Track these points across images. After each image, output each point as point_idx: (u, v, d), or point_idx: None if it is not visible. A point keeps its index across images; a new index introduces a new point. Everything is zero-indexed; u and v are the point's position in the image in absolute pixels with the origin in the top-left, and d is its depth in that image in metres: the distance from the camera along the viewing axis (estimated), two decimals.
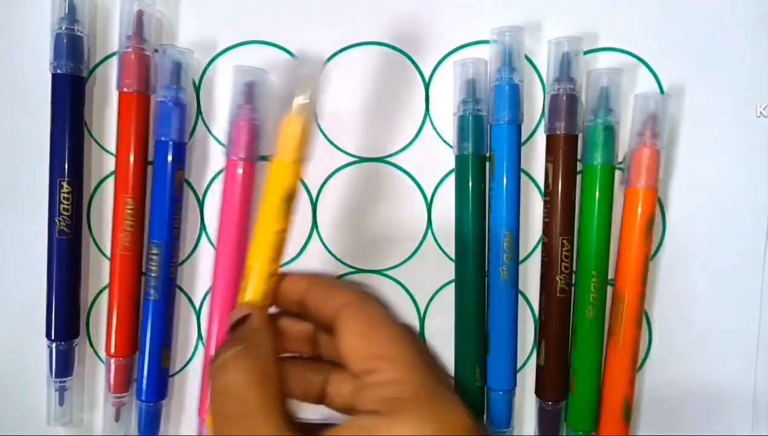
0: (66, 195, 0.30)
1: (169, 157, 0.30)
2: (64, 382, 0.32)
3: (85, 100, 0.31)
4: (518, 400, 0.32)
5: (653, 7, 0.31)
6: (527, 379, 0.33)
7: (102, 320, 0.33)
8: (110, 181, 0.32)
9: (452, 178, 0.31)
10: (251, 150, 0.30)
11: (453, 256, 0.32)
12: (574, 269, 0.31)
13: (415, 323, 0.33)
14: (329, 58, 0.31)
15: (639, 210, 0.30)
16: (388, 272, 0.32)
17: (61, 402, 0.32)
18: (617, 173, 0.31)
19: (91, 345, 0.33)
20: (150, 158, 0.31)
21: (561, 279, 0.30)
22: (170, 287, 0.31)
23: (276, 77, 0.25)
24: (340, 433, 0.20)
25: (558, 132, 0.30)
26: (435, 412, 0.20)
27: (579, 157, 0.31)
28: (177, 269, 0.32)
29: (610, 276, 0.31)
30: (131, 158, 0.30)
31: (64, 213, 0.30)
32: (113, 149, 0.32)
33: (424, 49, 0.31)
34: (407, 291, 0.33)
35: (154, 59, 0.30)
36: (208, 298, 0.33)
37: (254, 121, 0.30)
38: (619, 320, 0.30)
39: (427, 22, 0.31)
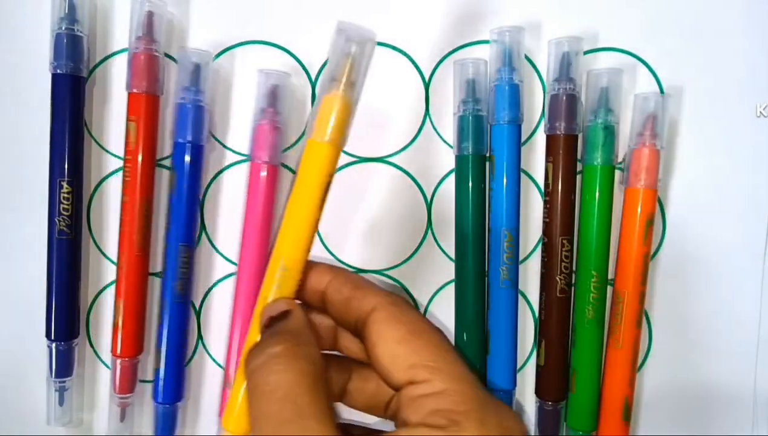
0: (66, 195, 0.30)
1: (187, 159, 0.30)
2: (64, 382, 0.32)
3: (85, 100, 0.31)
4: (518, 400, 0.32)
5: (653, 7, 0.31)
6: (527, 379, 0.33)
7: (102, 321, 0.33)
8: (110, 181, 0.32)
9: (452, 178, 0.31)
10: (274, 153, 0.30)
11: (453, 256, 0.32)
12: (574, 269, 0.31)
13: None
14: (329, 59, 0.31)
15: (639, 210, 0.30)
16: (388, 272, 0.32)
17: (61, 402, 0.32)
18: (617, 173, 0.31)
19: (91, 345, 0.33)
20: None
21: (561, 279, 0.30)
22: (190, 288, 0.31)
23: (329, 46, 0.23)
24: None
25: (558, 132, 0.30)
26: (495, 420, 0.20)
27: (579, 157, 0.31)
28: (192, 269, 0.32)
29: (610, 276, 0.31)
30: (140, 159, 0.30)
31: (64, 213, 0.30)
32: (113, 149, 0.32)
33: (424, 49, 0.31)
34: (407, 291, 0.33)
35: (163, 61, 0.30)
36: (208, 298, 0.33)
37: (277, 125, 0.30)
38: (619, 320, 0.30)
39: (427, 22, 0.31)
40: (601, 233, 0.30)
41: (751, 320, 0.32)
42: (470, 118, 0.30)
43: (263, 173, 0.30)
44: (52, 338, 0.31)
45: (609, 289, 0.31)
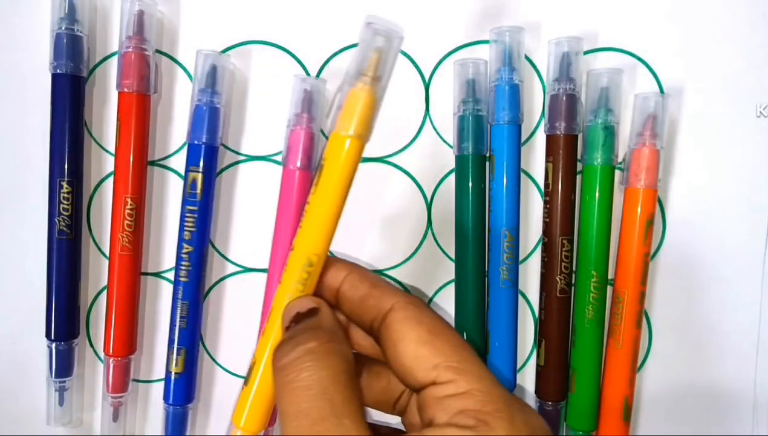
0: (66, 195, 0.30)
1: (202, 161, 0.30)
2: (64, 382, 0.32)
3: (85, 100, 0.31)
4: None
5: (653, 7, 0.31)
6: (527, 379, 0.33)
7: (102, 320, 0.33)
8: (110, 181, 0.32)
9: (452, 178, 0.31)
10: (308, 158, 0.30)
11: (453, 256, 0.32)
12: (574, 269, 0.31)
13: None
14: (329, 59, 0.31)
15: (639, 210, 0.30)
16: (388, 272, 0.32)
17: (61, 402, 0.32)
18: (617, 173, 0.31)
19: (91, 345, 0.33)
20: (150, 159, 0.31)
21: (561, 279, 0.30)
22: (203, 291, 0.31)
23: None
24: None
25: (558, 132, 0.30)
26: (522, 419, 0.20)
27: (579, 157, 0.31)
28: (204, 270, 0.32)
29: (610, 276, 0.31)
30: (131, 158, 0.30)
31: (64, 213, 0.30)
32: (113, 149, 0.32)
33: (424, 49, 0.31)
34: (407, 291, 0.33)
35: (155, 59, 0.30)
36: (208, 299, 0.33)
37: (311, 130, 0.30)
38: (619, 320, 0.30)
39: (427, 22, 0.31)
40: (601, 233, 0.30)
41: (751, 320, 0.32)
42: (470, 118, 0.30)
43: (296, 179, 0.30)
44: (52, 338, 0.31)
45: (609, 289, 0.31)
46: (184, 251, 0.30)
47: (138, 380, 0.33)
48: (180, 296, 0.30)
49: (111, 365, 0.31)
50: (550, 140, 0.31)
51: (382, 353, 0.23)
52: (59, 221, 0.30)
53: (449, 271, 0.32)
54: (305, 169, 0.30)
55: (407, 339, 0.21)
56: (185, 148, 0.31)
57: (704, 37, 0.31)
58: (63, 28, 0.29)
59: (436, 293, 0.33)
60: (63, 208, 0.30)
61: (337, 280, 0.24)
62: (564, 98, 0.30)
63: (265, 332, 0.23)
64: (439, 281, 0.32)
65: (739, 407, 0.33)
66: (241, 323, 0.32)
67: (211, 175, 0.30)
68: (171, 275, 0.32)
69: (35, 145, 0.31)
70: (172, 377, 0.31)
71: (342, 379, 0.20)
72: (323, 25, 0.31)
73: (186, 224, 0.30)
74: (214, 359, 0.33)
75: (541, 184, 0.32)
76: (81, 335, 0.32)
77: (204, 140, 0.30)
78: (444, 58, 0.31)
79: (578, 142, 0.30)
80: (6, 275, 0.33)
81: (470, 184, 0.30)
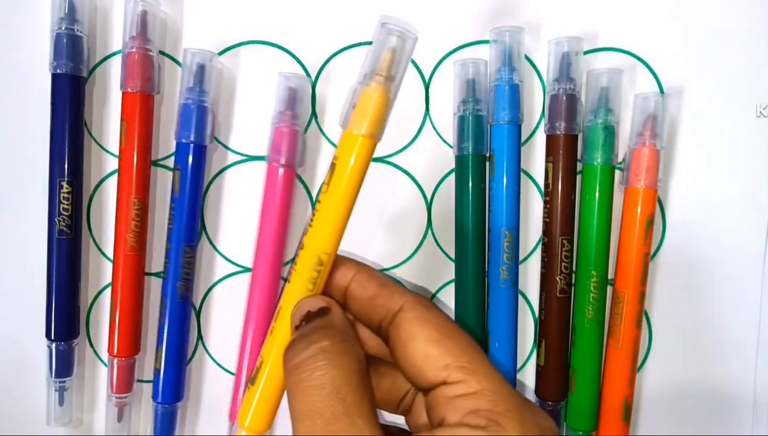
0: (66, 195, 0.30)
1: (190, 159, 0.30)
2: (64, 382, 0.32)
3: (85, 100, 0.31)
4: None
5: (653, 7, 0.31)
6: (527, 379, 0.33)
7: (102, 320, 0.33)
8: (110, 181, 0.32)
9: (452, 178, 0.31)
10: (292, 156, 0.30)
11: (453, 256, 0.32)
12: (574, 269, 0.31)
13: None
14: (329, 59, 0.31)
15: (639, 210, 0.30)
16: (388, 272, 0.32)
17: (61, 402, 0.32)
18: (617, 173, 0.31)
19: (91, 345, 0.33)
20: (153, 158, 0.31)
21: (561, 279, 0.30)
22: (192, 289, 0.31)
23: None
24: None
25: (558, 132, 0.30)
26: (533, 420, 0.20)
27: (579, 157, 0.31)
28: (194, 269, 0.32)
29: (610, 276, 0.31)
30: (134, 159, 0.30)
31: (64, 213, 0.30)
32: (113, 149, 0.32)
33: (424, 49, 0.31)
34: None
35: (157, 60, 0.30)
36: (208, 299, 0.33)
37: (295, 127, 0.30)
38: (619, 320, 0.30)
39: (427, 22, 0.31)
40: (601, 233, 0.30)
41: (751, 320, 0.32)
42: (470, 118, 0.30)
43: (280, 176, 0.30)
44: (52, 338, 0.31)
45: (609, 289, 0.31)
46: (167, 248, 0.30)
47: (142, 381, 0.33)
48: (169, 295, 0.30)
49: (115, 366, 0.31)
50: (550, 140, 0.31)
51: (390, 352, 0.23)
52: (59, 220, 0.30)
53: (449, 271, 0.32)
54: (289, 166, 0.30)
55: (417, 339, 0.21)
56: None
57: (704, 37, 0.31)
58: (63, 28, 0.29)
59: (436, 292, 0.33)
60: (63, 208, 0.30)
61: (345, 279, 0.24)
62: (564, 98, 0.30)
63: (273, 332, 0.23)
64: (439, 280, 0.33)
65: (739, 407, 0.33)
66: (240, 322, 0.32)
67: (198, 173, 0.30)
68: None
69: (35, 145, 0.31)
70: (161, 376, 0.31)
71: (354, 379, 0.20)
72: (323, 25, 0.31)
73: (168, 221, 0.30)
74: (214, 359, 0.33)
75: (541, 184, 0.32)
76: (81, 335, 0.32)
77: (191, 139, 0.30)
78: (444, 58, 0.31)
79: (578, 142, 0.30)
80: (6, 275, 0.33)
81: (470, 184, 0.30)
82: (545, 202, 0.31)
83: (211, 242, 0.32)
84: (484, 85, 0.31)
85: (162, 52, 0.31)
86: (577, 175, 0.30)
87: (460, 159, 0.31)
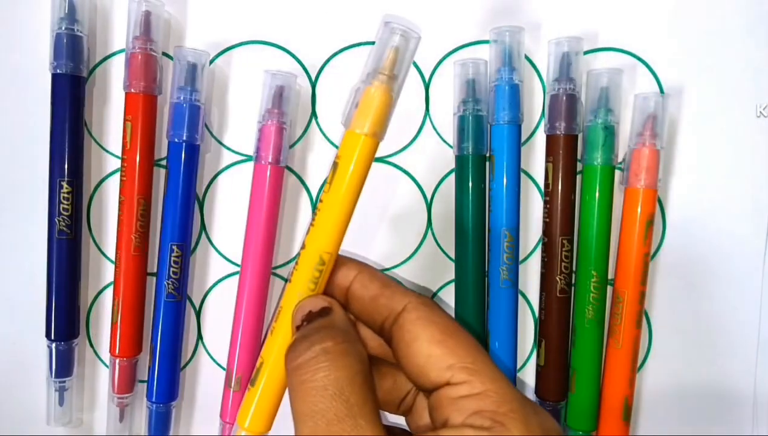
0: (66, 195, 0.30)
1: (181, 158, 0.30)
2: (64, 382, 0.32)
3: (85, 100, 0.31)
4: None
5: (653, 7, 0.31)
6: (527, 379, 0.33)
7: (102, 320, 0.33)
8: (110, 181, 0.32)
9: (452, 178, 0.31)
10: (279, 154, 0.30)
11: (453, 256, 0.32)
12: (574, 269, 0.31)
13: None
14: (329, 59, 0.31)
15: (639, 210, 0.30)
16: (389, 272, 0.32)
17: (61, 402, 0.32)
18: (617, 173, 0.31)
19: (91, 345, 0.33)
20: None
21: (561, 279, 0.30)
22: (185, 288, 0.31)
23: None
24: None
25: (558, 132, 0.30)
26: (537, 421, 0.20)
27: (579, 157, 0.31)
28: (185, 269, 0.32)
29: (610, 276, 0.31)
30: (137, 159, 0.30)
31: (64, 213, 0.30)
32: (113, 149, 0.32)
33: (425, 49, 0.31)
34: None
35: (161, 60, 0.30)
36: (208, 299, 0.33)
37: (283, 126, 0.30)
38: (619, 320, 0.30)
39: (428, 22, 0.31)
40: (601, 233, 0.30)
41: (751, 319, 0.32)
42: (470, 118, 0.30)
43: (268, 174, 0.30)
44: (52, 338, 0.31)
45: (609, 289, 0.31)
46: (174, 252, 0.30)
47: (144, 381, 0.33)
48: (159, 294, 0.30)
49: (117, 366, 0.31)
50: (550, 140, 0.31)
51: (393, 353, 0.23)
52: (59, 220, 0.30)
53: (449, 271, 0.32)
54: (276, 163, 0.30)
55: (420, 339, 0.21)
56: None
57: (704, 37, 0.31)
58: (63, 28, 0.29)
59: (436, 292, 0.33)
60: (63, 208, 0.30)
61: (347, 279, 0.24)
62: (564, 98, 0.30)
63: (274, 332, 0.23)
64: (440, 280, 0.33)
65: (739, 407, 0.33)
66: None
67: (190, 172, 0.30)
68: None
69: (35, 145, 0.31)
70: (154, 375, 0.31)
71: (358, 380, 0.20)
72: (323, 25, 0.31)
73: (163, 222, 0.30)
74: (214, 359, 0.33)
75: (541, 184, 0.32)
76: (81, 335, 0.32)
77: (184, 138, 0.30)
78: (444, 58, 0.31)
79: (578, 142, 0.30)
80: (6, 275, 0.33)
81: (470, 184, 0.30)
82: (545, 202, 0.31)
83: (211, 242, 0.32)
84: (484, 85, 0.31)
85: (164, 54, 0.31)
86: (577, 175, 0.30)
87: (460, 159, 0.31)
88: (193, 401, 0.33)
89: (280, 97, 0.30)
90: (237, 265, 0.33)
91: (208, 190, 0.32)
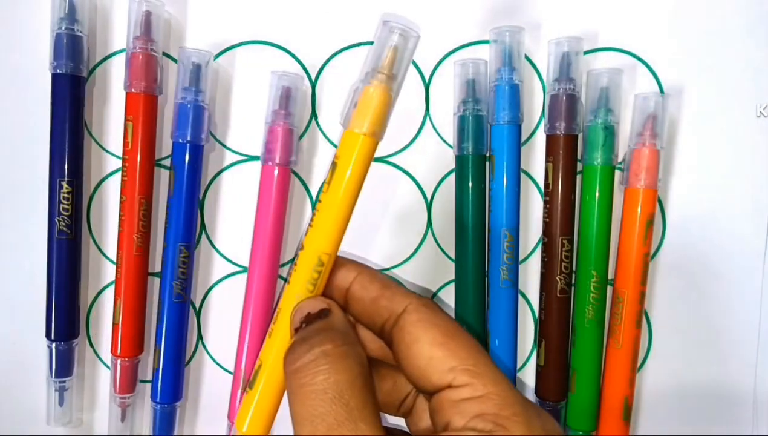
0: (66, 195, 0.30)
1: (186, 159, 0.30)
2: (64, 382, 0.32)
3: (85, 100, 0.31)
4: None
5: (653, 7, 0.31)
6: (527, 379, 0.33)
7: (102, 320, 0.33)
8: (110, 181, 0.32)
9: (452, 178, 0.31)
10: (287, 155, 0.30)
11: (453, 256, 0.32)
12: (574, 269, 0.31)
13: None
14: (329, 59, 0.31)
15: (639, 210, 0.30)
16: (388, 272, 0.32)
17: (61, 402, 0.32)
18: (617, 173, 0.31)
19: (91, 345, 0.33)
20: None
21: (561, 279, 0.30)
22: (189, 288, 0.31)
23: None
24: None
25: (558, 132, 0.30)
26: (539, 424, 0.20)
27: (579, 157, 0.31)
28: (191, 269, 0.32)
29: (610, 276, 0.31)
30: (138, 159, 0.30)
31: (64, 213, 0.30)
32: (113, 149, 0.32)
33: (425, 49, 0.31)
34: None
35: (161, 60, 0.30)
36: (208, 298, 0.33)
37: (290, 126, 0.30)
38: (619, 320, 0.30)
39: (428, 22, 0.31)
40: (601, 233, 0.30)
41: (751, 320, 0.32)
42: (470, 118, 0.30)
43: (275, 175, 0.30)
44: (52, 338, 0.31)
45: (609, 289, 0.31)
46: (164, 247, 0.30)
47: (145, 381, 0.33)
48: (165, 294, 0.30)
49: (119, 366, 0.31)
50: (550, 140, 0.31)
51: (393, 355, 0.23)
52: (59, 220, 0.30)
53: (449, 271, 0.32)
54: (284, 165, 0.30)
55: (421, 341, 0.21)
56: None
57: (704, 37, 0.31)
58: (63, 28, 0.29)
59: (436, 293, 0.33)
60: (63, 208, 0.30)
61: (347, 280, 0.24)
62: (564, 98, 0.30)
63: (272, 334, 0.23)
64: (440, 280, 0.32)
65: (739, 407, 0.33)
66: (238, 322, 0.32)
67: (194, 173, 0.30)
68: None
69: (35, 145, 0.31)
70: (159, 376, 0.31)
71: (358, 383, 0.20)
72: (323, 25, 0.31)
73: (169, 222, 0.30)
74: (214, 359, 0.33)
75: (541, 184, 0.32)
76: (81, 335, 0.32)
77: (188, 139, 0.30)
78: (444, 58, 0.31)
79: (578, 142, 0.30)
80: (6, 275, 0.33)
81: (470, 184, 0.30)
82: (545, 202, 0.31)
83: (210, 242, 0.32)
84: (484, 85, 0.31)
85: (165, 54, 0.31)
86: (577, 175, 0.30)
87: (460, 159, 0.31)
88: (192, 401, 0.33)
89: (287, 99, 0.30)
90: (237, 265, 0.33)
91: (208, 190, 0.32)
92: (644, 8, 0.31)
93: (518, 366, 0.32)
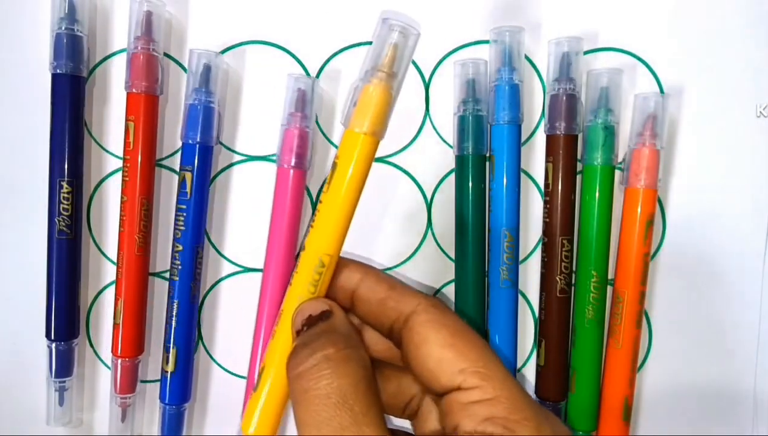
0: (66, 195, 0.30)
1: (197, 161, 0.30)
2: (64, 382, 0.32)
3: (85, 100, 0.31)
4: None
5: (653, 7, 0.31)
6: (527, 379, 0.33)
7: (102, 320, 0.33)
8: (110, 181, 0.32)
9: (452, 178, 0.31)
10: (302, 158, 0.30)
11: (453, 256, 0.32)
12: (574, 269, 0.31)
13: None
14: (329, 59, 0.31)
15: (639, 210, 0.30)
16: (388, 272, 0.32)
17: (61, 402, 0.32)
18: (617, 173, 0.31)
19: (91, 345, 0.33)
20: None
21: (561, 279, 0.30)
22: (199, 289, 0.31)
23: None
24: None
25: (558, 132, 0.30)
26: (549, 429, 0.19)
27: (579, 157, 0.31)
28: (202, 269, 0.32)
29: (610, 276, 0.31)
30: (140, 159, 0.30)
31: (64, 213, 0.30)
32: (113, 149, 0.32)
33: (425, 49, 0.31)
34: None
35: (162, 60, 0.30)
36: (208, 298, 0.33)
37: (306, 129, 0.30)
38: (619, 320, 0.30)
39: (428, 22, 0.31)
40: (601, 233, 0.30)
41: (751, 320, 0.32)
42: (470, 118, 0.30)
43: (290, 178, 0.30)
44: (52, 338, 0.31)
45: (609, 289, 0.31)
46: (176, 249, 0.30)
47: (145, 381, 0.33)
48: (171, 294, 0.30)
49: (119, 366, 0.31)
50: (550, 140, 0.31)
51: (402, 356, 0.22)
52: (59, 220, 0.30)
53: (449, 271, 0.32)
54: (299, 167, 0.30)
55: (431, 342, 0.21)
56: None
57: (704, 37, 0.31)
58: (63, 28, 0.29)
59: (436, 293, 0.33)
60: (63, 208, 0.30)
61: (352, 282, 0.23)
62: (564, 98, 0.30)
63: (275, 336, 0.23)
64: (440, 280, 0.32)
65: (739, 407, 0.33)
66: (240, 322, 0.32)
67: (204, 174, 0.30)
68: None
69: (35, 145, 0.31)
70: (168, 377, 0.31)
71: (361, 386, 0.19)
72: (323, 25, 0.31)
73: (177, 222, 0.30)
74: (213, 359, 0.33)
75: (541, 184, 0.32)
76: (81, 335, 0.32)
77: (198, 140, 0.30)
78: (444, 58, 0.31)
79: (578, 142, 0.30)
80: (6, 275, 0.33)
81: (470, 184, 0.30)
82: (545, 202, 0.31)
83: (210, 242, 0.32)
84: (484, 85, 0.31)
85: (166, 54, 0.31)
86: (577, 175, 0.30)
87: (460, 159, 0.31)
88: (199, 402, 0.33)
89: (302, 101, 0.30)
90: (237, 265, 0.33)
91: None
92: (644, 8, 0.31)
93: (518, 366, 0.32)
